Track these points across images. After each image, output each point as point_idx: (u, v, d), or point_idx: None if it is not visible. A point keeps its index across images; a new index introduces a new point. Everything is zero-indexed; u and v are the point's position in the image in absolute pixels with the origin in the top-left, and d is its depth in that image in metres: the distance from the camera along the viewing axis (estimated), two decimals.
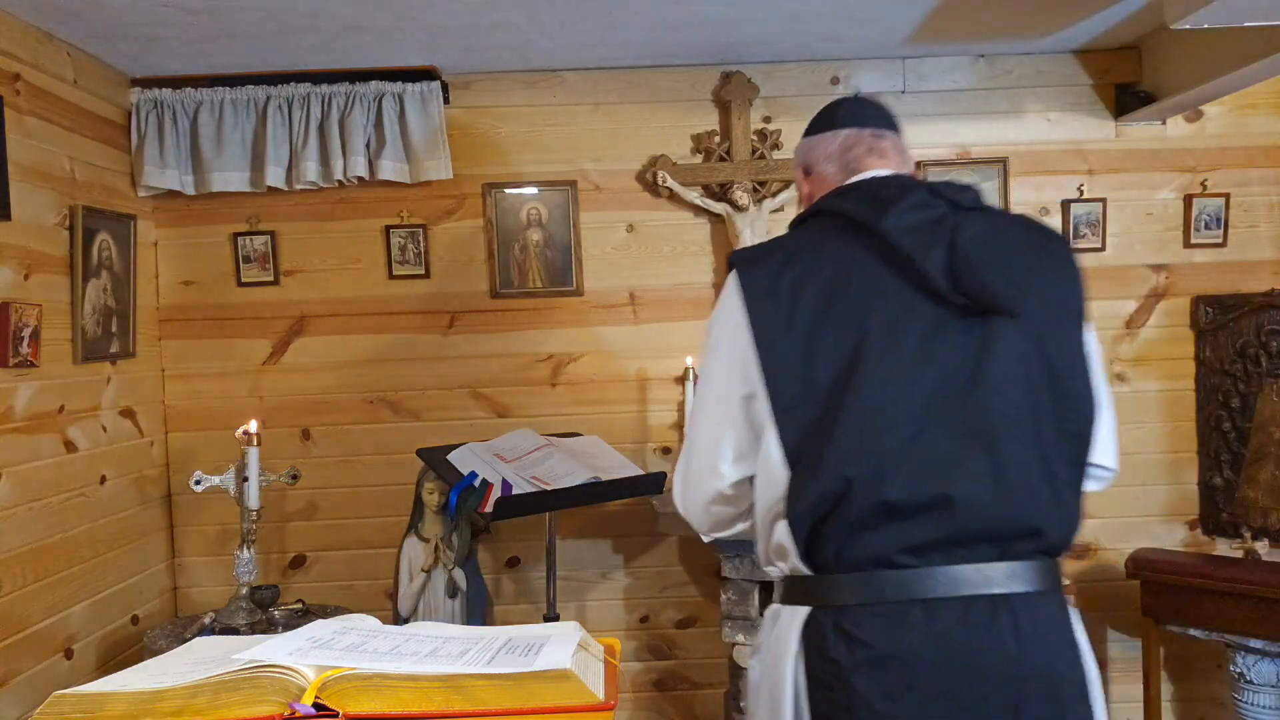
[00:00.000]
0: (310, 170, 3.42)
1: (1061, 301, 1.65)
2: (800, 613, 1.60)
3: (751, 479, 1.68)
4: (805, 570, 1.61)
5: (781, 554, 1.64)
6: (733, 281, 1.67)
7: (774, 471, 1.61)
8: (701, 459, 1.71)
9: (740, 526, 1.76)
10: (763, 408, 1.61)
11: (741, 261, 1.69)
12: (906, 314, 1.58)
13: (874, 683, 1.53)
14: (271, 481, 2.98)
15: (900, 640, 1.53)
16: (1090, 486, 1.75)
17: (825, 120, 1.85)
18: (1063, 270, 1.68)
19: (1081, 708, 1.56)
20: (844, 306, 1.60)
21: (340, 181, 3.47)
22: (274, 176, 3.43)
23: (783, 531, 1.61)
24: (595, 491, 3.11)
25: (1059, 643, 1.57)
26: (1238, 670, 3.20)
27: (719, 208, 3.55)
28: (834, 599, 1.57)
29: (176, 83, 3.44)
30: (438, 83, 3.48)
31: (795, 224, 1.80)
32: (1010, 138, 3.64)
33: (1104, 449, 1.76)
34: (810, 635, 1.58)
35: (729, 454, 1.67)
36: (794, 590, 1.64)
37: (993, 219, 1.67)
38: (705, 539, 1.83)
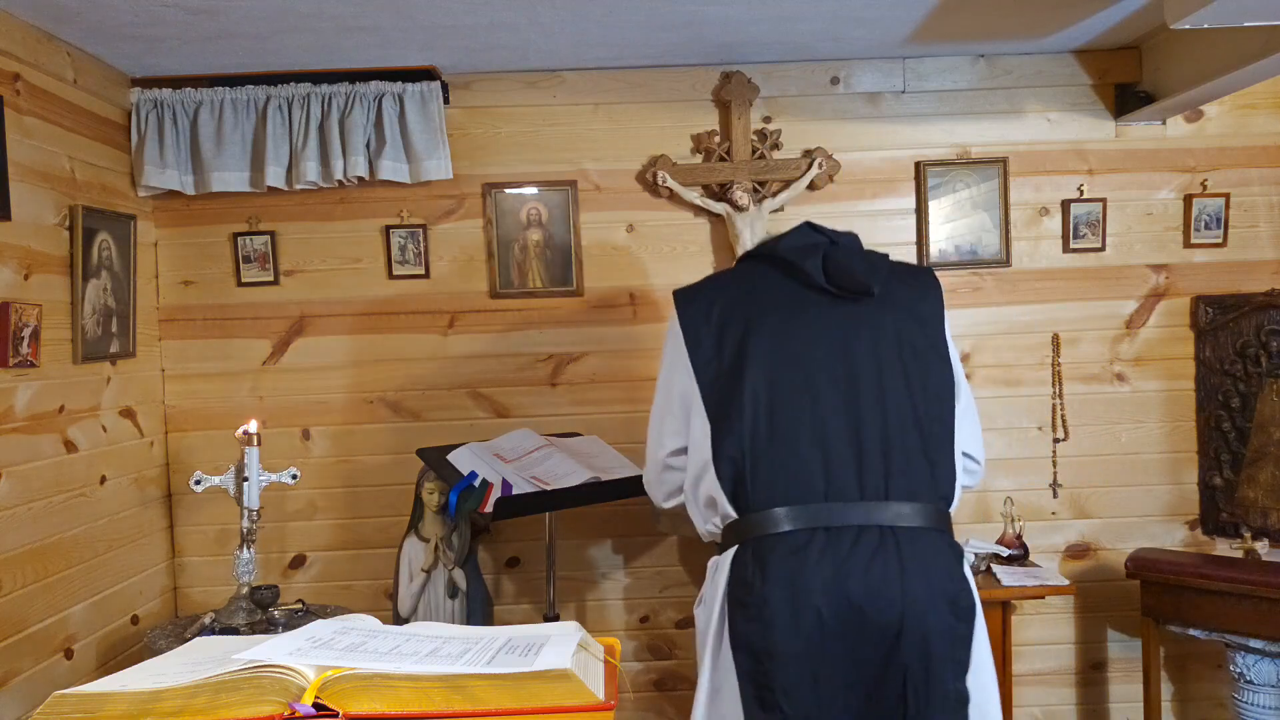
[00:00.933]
0: (310, 170, 3.42)
1: (919, 304, 2.10)
2: (729, 553, 2.00)
3: (685, 450, 2.12)
4: (733, 514, 2.00)
5: (712, 505, 2.04)
6: (673, 309, 2.19)
7: (701, 434, 2.04)
8: (651, 440, 2.23)
9: (682, 497, 2.19)
10: (690, 387, 2.07)
11: (678, 293, 2.23)
12: (793, 302, 2.06)
13: (783, 597, 1.89)
14: (271, 481, 2.98)
15: (803, 561, 1.90)
16: (965, 480, 2.11)
17: None
18: (922, 285, 2.15)
19: (961, 627, 1.91)
20: (745, 304, 2.09)
21: (340, 181, 3.47)
22: (274, 176, 3.43)
23: (710, 482, 2.01)
24: (595, 491, 3.11)
25: (937, 569, 1.91)
26: (1238, 670, 3.20)
27: (719, 208, 3.55)
28: (753, 533, 1.96)
29: (176, 83, 3.44)
30: (438, 83, 3.48)
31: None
32: (1010, 138, 3.65)
33: (969, 439, 2.11)
34: (735, 567, 1.97)
35: (669, 429, 2.16)
36: (726, 537, 2.03)
37: (862, 250, 2.16)
38: (664, 505, 2.27)
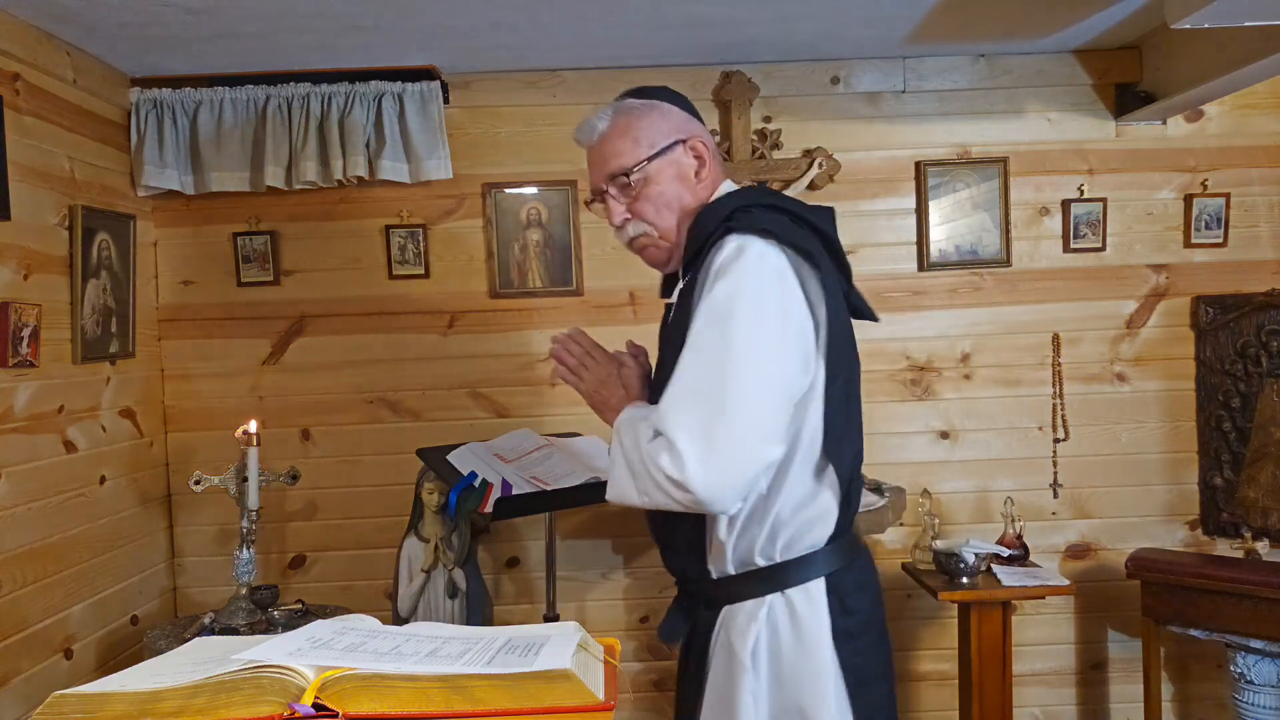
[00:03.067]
0: (310, 170, 3.42)
1: None
2: (815, 587, 1.72)
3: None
4: (822, 543, 1.73)
5: (808, 528, 1.72)
6: (775, 252, 1.67)
7: (812, 446, 1.71)
8: (758, 426, 1.61)
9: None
10: (814, 377, 1.69)
11: (771, 233, 1.68)
12: (846, 316, 1.80)
13: (879, 612, 1.81)
14: (271, 481, 2.98)
15: (875, 577, 1.84)
16: None
17: (686, 104, 1.93)
18: None
19: None
20: (842, 299, 1.78)
21: (340, 181, 3.47)
22: (273, 176, 3.43)
23: (827, 500, 1.73)
24: (595, 491, 3.10)
25: None
26: (1238, 670, 3.20)
27: None
28: (846, 560, 1.76)
29: (176, 83, 3.44)
30: (438, 83, 3.48)
31: (740, 208, 1.76)
32: (1010, 137, 3.64)
33: None
34: (835, 597, 1.71)
35: (776, 424, 1.64)
36: (795, 572, 1.73)
37: None
38: (731, 512, 1.71)
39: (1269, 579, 3.06)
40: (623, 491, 1.72)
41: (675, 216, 1.83)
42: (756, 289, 1.64)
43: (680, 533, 1.79)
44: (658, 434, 1.64)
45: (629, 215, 1.85)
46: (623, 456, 1.72)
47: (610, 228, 1.94)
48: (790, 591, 1.72)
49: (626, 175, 1.84)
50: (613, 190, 1.86)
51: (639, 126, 1.84)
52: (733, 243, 1.67)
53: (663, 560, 1.92)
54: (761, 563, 1.73)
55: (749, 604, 1.74)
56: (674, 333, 1.79)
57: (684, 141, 1.84)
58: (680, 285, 1.85)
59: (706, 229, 1.75)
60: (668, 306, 1.95)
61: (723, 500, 1.61)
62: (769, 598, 1.73)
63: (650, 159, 1.82)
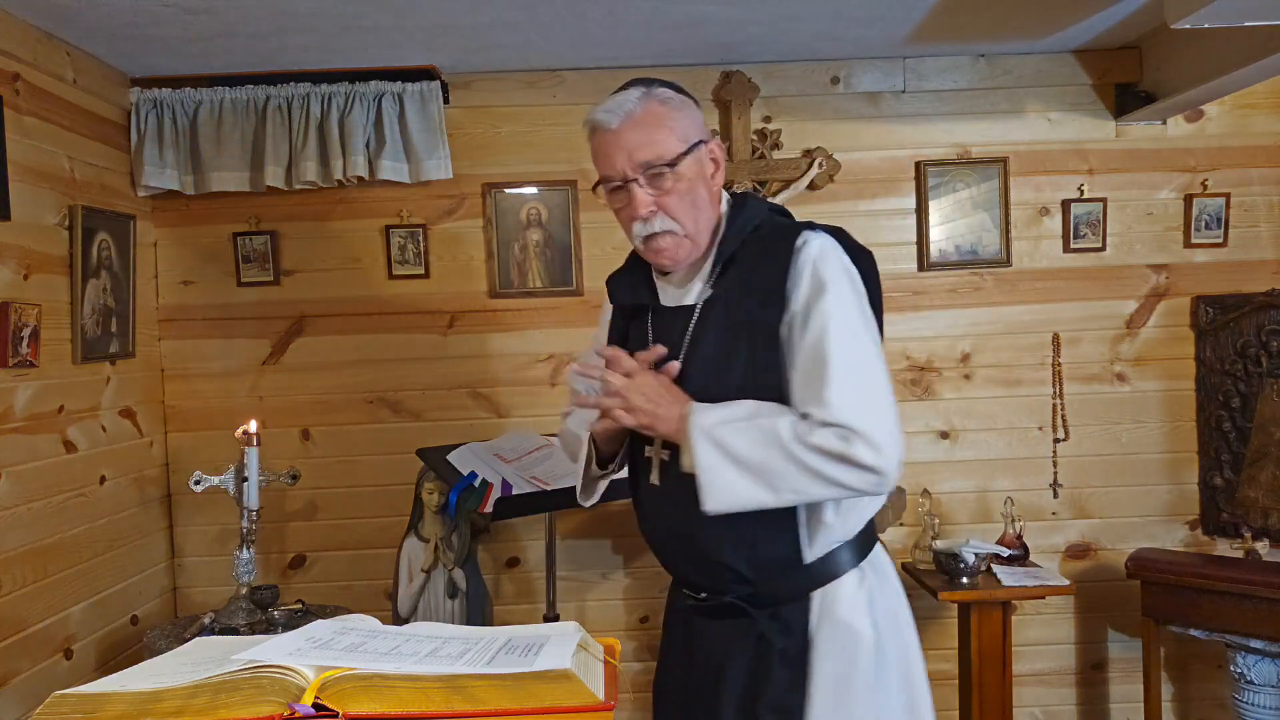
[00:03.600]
0: (310, 170, 3.42)
1: None
2: (880, 548, 1.86)
3: None
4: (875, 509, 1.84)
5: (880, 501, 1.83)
6: (849, 259, 1.76)
7: None
8: (894, 410, 1.69)
9: None
10: None
11: (838, 231, 1.81)
12: None
13: None
14: (271, 481, 2.97)
15: None
16: None
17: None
18: None
19: None
20: None
21: (340, 181, 3.46)
22: (273, 176, 3.43)
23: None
24: None
25: None
26: (1238, 670, 3.20)
27: None
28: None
29: (176, 83, 3.44)
30: (438, 83, 3.48)
31: (768, 212, 1.88)
32: (1010, 137, 3.64)
33: None
34: (888, 565, 1.87)
35: None
36: (869, 537, 1.84)
37: None
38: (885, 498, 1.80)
39: (1269, 579, 3.07)
40: (743, 494, 1.65)
41: (704, 217, 1.80)
42: (855, 284, 1.74)
43: (773, 527, 1.73)
44: (818, 428, 1.62)
45: (655, 208, 1.77)
46: (729, 461, 1.64)
47: (614, 224, 1.89)
48: (871, 556, 1.83)
49: (670, 166, 1.75)
50: (643, 179, 1.75)
51: (675, 118, 1.77)
52: (816, 241, 1.73)
53: (715, 573, 1.80)
54: (851, 535, 1.78)
55: (846, 580, 1.77)
56: (710, 332, 1.78)
57: (705, 143, 1.82)
58: (709, 285, 1.81)
59: (742, 232, 1.80)
60: (666, 309, 1.90)
61: (896, 480, 1.68)
62: (862, 566, 1.79)
63: (685, 154, 1.77)
